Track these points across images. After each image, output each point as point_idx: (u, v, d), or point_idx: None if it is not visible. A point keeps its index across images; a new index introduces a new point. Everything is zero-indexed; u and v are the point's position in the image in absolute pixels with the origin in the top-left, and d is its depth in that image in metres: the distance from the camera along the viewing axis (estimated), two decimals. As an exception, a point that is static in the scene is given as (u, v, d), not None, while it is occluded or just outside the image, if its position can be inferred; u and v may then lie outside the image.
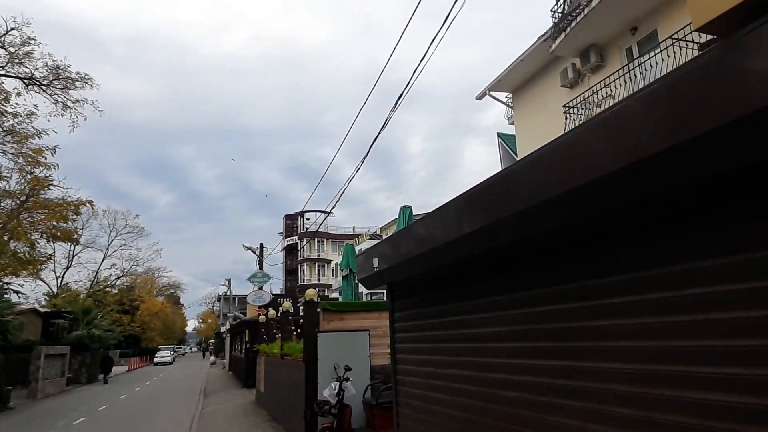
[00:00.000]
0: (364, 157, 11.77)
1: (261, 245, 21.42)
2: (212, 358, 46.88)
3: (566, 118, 13.64)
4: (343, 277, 12.47)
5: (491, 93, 17.37)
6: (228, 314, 41.25)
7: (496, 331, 2.99)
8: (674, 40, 10.65)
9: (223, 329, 42.87)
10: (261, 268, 21.13)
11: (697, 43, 10.52)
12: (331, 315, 7.18)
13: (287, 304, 9.35)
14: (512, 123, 18.48)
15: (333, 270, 51.14)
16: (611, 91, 12.72)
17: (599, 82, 13.02)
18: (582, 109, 13.36)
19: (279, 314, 10.98)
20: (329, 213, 43.66)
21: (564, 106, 13.69)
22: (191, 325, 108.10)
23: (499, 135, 35.69)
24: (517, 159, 30.93)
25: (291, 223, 60.34)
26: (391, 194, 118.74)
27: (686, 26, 10.65)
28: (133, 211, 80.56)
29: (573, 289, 2.58)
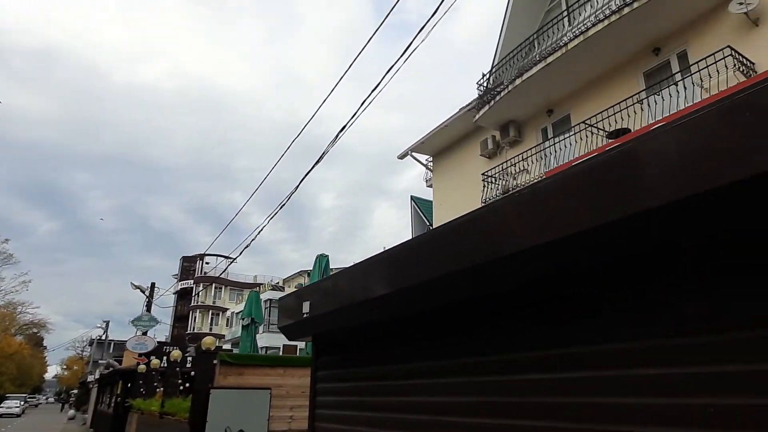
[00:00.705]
0: (275, 212, 11.12)
1: (153, 284, 19.32)
2: (71, 411, 40.89)
3: (484, 186, 14.03)
4: (243, 326, 11.39)
5: (413, 154, 17.65)
6: (100, 361, 36.67)
7: (412, 400, 2.54)
8: (586, 126, 11.44)
9: (91, 378, 37.89)
10: (149, 310, 18.96)
11: (605, 131, 11.36)
12: (229, 369, 6.26)
13: (176, 353, 8.14)
14: (430, 185, 18.80)
15: (228, 319, 47.99)
16: (527, 165, 13.34)
17: (516, 156, 13.63)
18: (500, 179, 13.84)
19: (164, 364, 9.63)
20: (233, 259, 41.39)
21: (483, 174, 14.11)
22: (52, 371, 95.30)
23: (412, 198, 36.43)
24: (430, 222, 31.25)
25: (188, 265, 56.51)
26: (297, 247, 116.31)
27: (596, 115, 11.51)
28: (2, 234, 71.26)
29: (487, 363, 2.28)
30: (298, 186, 10.43)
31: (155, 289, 19.58)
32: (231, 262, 38.33)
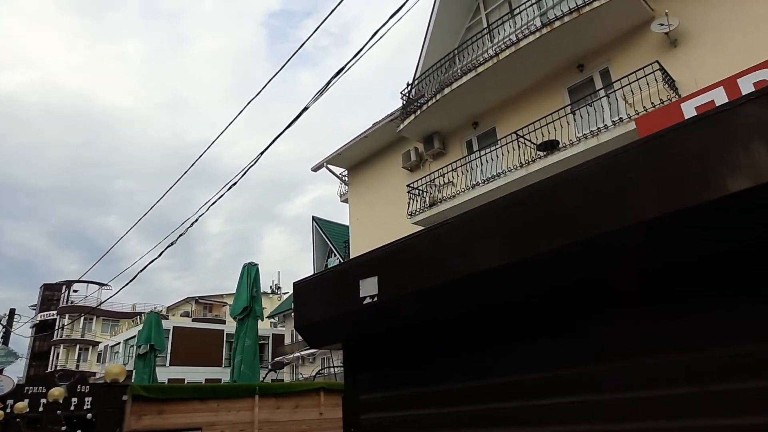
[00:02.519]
0: (169, 243, 9.62)
1: (12, 311, 15.75)
2: None
3: (410, 199, 13.51)
4: (138, 355, 9.52)
5: (328, 166, 16.74)
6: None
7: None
8: (516, 137, 11.41)
9: None
10: (5, 342, 15.51)
11: (533, 143, 11.41)
12: (145, 406, 4.77)
13: (58, 392, 6.25)
14: (345, 200, 17.95)
15: (100, 354, 42.31)
16: (452, 177, 13.06)
17: (440, 169, 13.32)
18: (426, 191, 13.40)
19: (40, 408, 7.51)
20: (105, 285, 36.91)
21: (408, 186, 13.59)
22: None
23: (314, 219, 35.28)
24: (332, 243, 30.05)
25: (50, 294, 49.41)
26: (179, 274, 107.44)
27: (523, 128, 11.53)
28: None
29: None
30: (195, 220, 9.07)
31: (15, 317, 16.16)
32: (115, 293, 33.96)
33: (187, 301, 49.02)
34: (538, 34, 10.91)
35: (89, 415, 4.98)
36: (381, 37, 7.11)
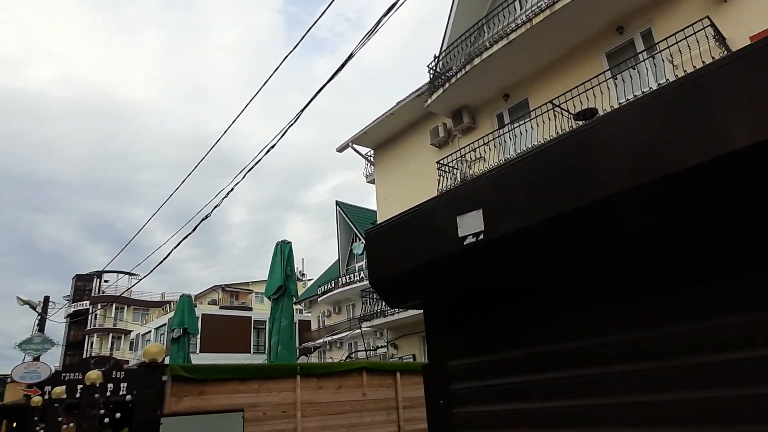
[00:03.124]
0: (189, 231, 9.41)
1: (46, 298, 15.93)
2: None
3: (440, 176, 13.08)
4: (173, 339, 9.40)
5: (354, 145, 16.37)
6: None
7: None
8: (552, 107, 10.86)
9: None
10: (42, 330, 15.72)
11: (569, 113, 10.85)
12: (184, 387, 4.55)
13: (95, 375, 6.10)
14: (371, 181, 17.60)
15: (132, 342, 43.18)
16: (483, 153, 12.58)
17: (469, 144, 12.85)
18: (456, 167, 12.97)
19: (77, 394, 7.42)
20: (143, 276, 37.39)
21: (438, 162, 13.16)
22: None
23: (338, 204, 35.13)
24: (357, 228, 30.06)
25: (82, 285, 50.47)
26: (205, 264, 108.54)
27: (557, 97, 10.97)
28: None
29: None
30: (212, 209, 8.82)
31: (50, 305, 16.36)
32: (139, 281, 34.46)
33: (213, 289, 49.63)
34: (575, -5, 10.28)
35: (128, 397, 4.79)
36: (397, 8, 6.66)
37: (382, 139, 16.27)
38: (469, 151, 12.60)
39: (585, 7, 10.49)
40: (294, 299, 7.22)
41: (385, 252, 1.79)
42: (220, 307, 43.13)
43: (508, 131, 12.53)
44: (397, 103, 15.00)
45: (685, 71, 8.94)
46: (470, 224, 1.43)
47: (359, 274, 29.15)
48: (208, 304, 44.80)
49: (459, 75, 12.54)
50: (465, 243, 1.44)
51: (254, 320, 37.48)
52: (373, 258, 1.84)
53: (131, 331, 44.88)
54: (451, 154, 13.22)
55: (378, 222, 15.64)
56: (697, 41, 8.91)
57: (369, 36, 7.13)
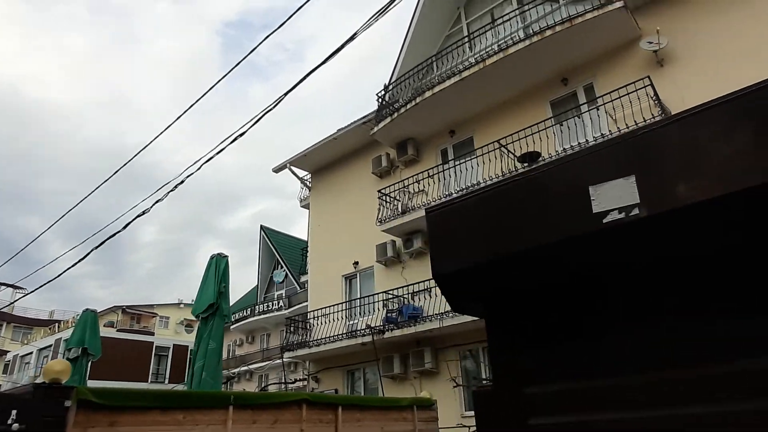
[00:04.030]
0: (92, 246, 8.52)
1: None
2: None
3: (380, 205, 12.79)
4: (68, 360, 8.11)
5: (291, 167, 15.77)
6: None
7: None
8: (498, 146, 11.03)
9: None
10: None
11: (514, 154, 11.08)
12: (92, 415, 3.67)
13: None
14: (305, 206, 16.98)
15: (7, 365, 38.05)
16: (424, 186, 12.51)
17: (414, 176, 12.75)
18: (398, 199, 12.76)
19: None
20: (18, 287, 33.37)
21: (379, 191, 12.89)
22: None
23: (262, 228, 33.87)
24: (280, 254, 29.06)
25: (-47, 295, 44.26)
26: (106, 283, 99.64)
27: (503, 138, 11.20)
28: None
29: None
30: (121, 228, 8.03)
31: None
32: (25, 295, 30.62)
33: (113, 310, 45.53)
34: (528, 42, 10.66)
35: (16, 426, 3.84)
36: (349, 40, 6.46)
37: (322, 164, 15.82)
38: (413, 183, 12.47)
39: (534, 55, 10.90)
40: (226, 319, 6.45)
41: (457, 237, 1.36)
42: (118, 330, 39.53)
43: (452, 167, 12.59)
44: (342, 128, 14.71)
45: (626, 125, 9.42)
46: (615, 196, 1.06)
47: (278, 303, 27.92)
48: (105, 325, 40.83)
49: (409, 106, 12.51)
50: (606, 220, 1.05)
51: (156, 346, 34.53)
52: (438, 245, 1.40)
53: (8, 351, 39.70)
54: (393, 185, 13.01)
55: (309, 247, 14.85)
56: (638, 98, 9.45)
57: (315, 69, 6.78)
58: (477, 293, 1.36)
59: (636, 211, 1.01)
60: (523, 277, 1.27)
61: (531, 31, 11.64)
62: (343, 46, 5.79)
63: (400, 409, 6.16)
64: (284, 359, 13.26)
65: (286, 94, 7.31)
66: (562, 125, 10.63)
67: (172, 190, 8.60)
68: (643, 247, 1.07)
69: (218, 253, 6.63)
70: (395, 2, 5.79)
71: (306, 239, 27.21)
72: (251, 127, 6.54)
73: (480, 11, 13.94)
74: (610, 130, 9.97)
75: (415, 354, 11.28)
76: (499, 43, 12.12)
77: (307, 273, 21.95)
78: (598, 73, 10.91)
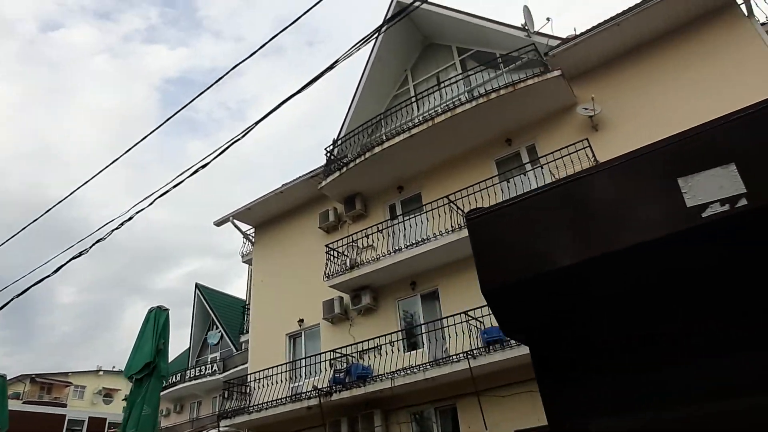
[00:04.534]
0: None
1: None
2: None
3: (328, 260, 12.49)
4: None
5: (234, 221, 15.24)
6: None
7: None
8: (448, 202, 11.20)
9: None
10: None
11: (462, 211, 11.27)
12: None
13: None
14: (247, 261, 16.35)
15: None
16: (372, 241, 12.41)
17: (361, 231, 12.64)
18: (345, 255, 12.52)
19: None
20: None
21: (327, 246, 12.63)
22: None
23: (197, 286, 32.28)
24: (215, 313, 27.81)
25: None
26: (11, 349, 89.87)
27: (450, 194, 11.39)
28: None
29: None
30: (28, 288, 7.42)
31: None
32: None
33: (20, 379, 40.90)
34: (474, 103, 11.14)
35: None
36: (331, 64, 6.49)
37: (266, 218, 15.41)
38: (362, 237, 12.32)
39: (480, 116, 11.38)
40: (164, 381, 5.82)
41: (509, 246, 1.20)
42: (24, 402, 35.45)
43: (401, 222, 12.60)
44: (289, 182, 14.52)
45: (568, 183, 9.83)
46: (713, 186, 0.94)
47: (212, 367, 26.16)
48: (10, 397, 36.51)
49: (357, 161, 12.57)
50: (703, 215, 0.93)
51: (69, 419, 31.13)
52: (485, 256, 1.23)
53: None
54: (340, 239, 12.81)
55: (251, 304, 14.14)
56: (579, 158, 9.97)
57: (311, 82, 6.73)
58: (532, 313, 1.19)
59: (743, 202, 0.89)
60: (590, 293, 1.12)
61: (476, 94, 12.24)
62: (324, 73, 5.74)
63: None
64: (220, 428, 12.19)
65: (257, 123, 7.07)
66: (509, 182, 10.98)
67: (100, 240, 7.94)
68: (745, 246, 0.95)
69: (158, 306, 6.09)
70: (382, 29, 5.86)
71: (245, 298, 26.12)
72: (215, 158, 6.24)
73: (426, 74, 14.56)
74: (552, 188, 10.39)
75: (365, 417, 10.70)
76: (446, 104, 12.61)
77: (247, 332, 20.85)
78: (540, 134, 11.51)
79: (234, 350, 26.66)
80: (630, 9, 10.38)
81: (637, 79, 10.68)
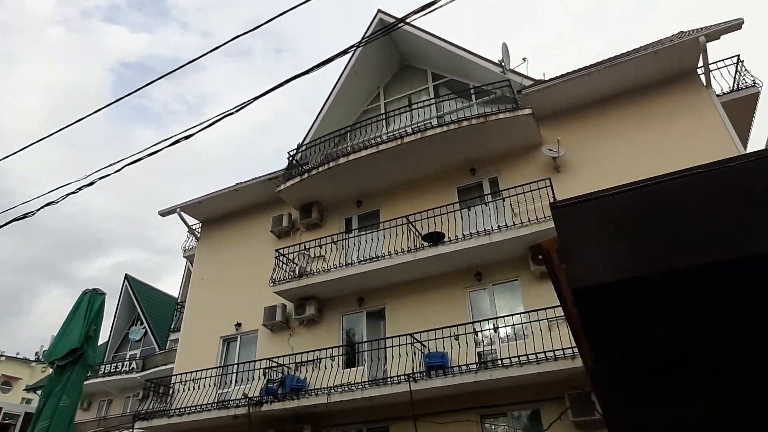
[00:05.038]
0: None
1: None
2: None
3: (276, 266, 12.09)
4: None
5: (181, 213, 14.54)
6: None
7: None
8: (407, 221, 11.15)
9: None
10: None
11: (419, 233, 11.25)
12: None
13: None
14: (188, 256, 15.60)
15: None
16: (324, 252, 12.14)
17: (314, 240, 12.36)
18: (295, 263, 12.17)
19: None
20: None
21: (277, 251, 12.23)
22: None
23: (127, 277, 30.61)
24: (141, 307, 26.51)
25: None
26: None
27: (410, 215, 11.34)
28: None
29: None
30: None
31: None
32: None
33: None
34: (445, 128, 11.24)
35: None
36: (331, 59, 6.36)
37: (216, 215, 14.81)
38: (315, 246, 12.02)
39: (448, 142, 11.49)
40: (89, 371, 5.30)
41: (605, 240, 1.06)
42: None
43: (356, 236, 12.43)
44: (245, 181, 14.05)
45: (528, 219, 10.03)
46: None
47: (130, 364, 24.61)
48: None
49: (321, 169, 12.35)
50: None
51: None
52: (580, 250, 1.08)
53: None
54: (292, 246, 12.45)
55: (187, 301, 13.42)
56: (540, 196, 10.20)
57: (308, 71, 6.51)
58: (618, 320, 1.06)
59: None
60: (702, 305, 1.00)
61: (446, 120, 12.38)
62: (306, 72, 5.54)
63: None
64: (135, 429, 11.34)
65: (248, 103, 6.73)
66: (470, 210, 11.06)
67: (21, 218, 7.26)
68: None
69: (93, 289, 5.58)
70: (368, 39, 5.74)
71: (177, 296, 24.91)
72: (190, 135, 5.84)
73: (398, 94, 14.61)
74: (507, 223, 10.56)
75: (293, 432, 10.27)
76: (415, 125, 12.66)
77: (177, 331, 19.81)
78: (503, 168, 11.73)
79: (157, 349, 25.26)
80: (602, 62, 10.88)
81: (600, 129, 11.13)
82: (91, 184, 7.44)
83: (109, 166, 6.86)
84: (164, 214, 14.72)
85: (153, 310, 27.38)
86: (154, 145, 6.71)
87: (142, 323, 26.45)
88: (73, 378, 5.07)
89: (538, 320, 9.12)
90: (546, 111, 11.52)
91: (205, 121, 6.17)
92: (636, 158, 10.42)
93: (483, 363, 9.52)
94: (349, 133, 14.00)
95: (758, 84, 10.71)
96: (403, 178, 12.49)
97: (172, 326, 19.06)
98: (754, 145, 17.67)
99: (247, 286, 13.11)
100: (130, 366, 24.26)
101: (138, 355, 25.34)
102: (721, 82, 10.98)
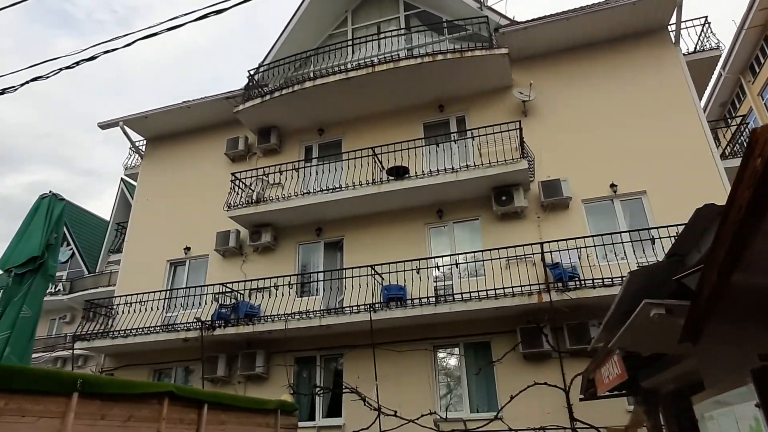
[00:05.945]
0: None
1: None
2: None
3: (232, 190, 11.56)
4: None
5: (124, 126, 13.42)
6: None
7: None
8: (372, 153, 10.91)
9: None
10: None
11: (382, 166, 11.08)
12: None
13: None
14: (130, 174, 14.61)
15: None
16: (282, 179, 11.76)
17: (273, 166, 11.89)
18: (252, 188, 11.69)
19: None
20: None
21: (233, 175, 11.66)
22: None
23: (52, 194, 28.42)
24: (68, 225, 25.02)
25: None
26: None
27: (373, 147, 11.10)
28: None
29: None
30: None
31: None
32: None
33: None
34: (420, 60, 10.88)
35: None
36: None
37: (164, 132, 13.82)
38: (274, 173, 11.57)
39: (420, 75, 11.18)
40: (50, 281, 4.86)
41: None
42: None
43: (316, 165, 12.07)
44: (199, 98, 13.10)
45: (490, 161, 10.10)
46: None
47: (56, 286, 23.33)
48: None
49: (284, 91, 11.68)
50: None
51: None
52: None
53: None
54: (248, 170, 11.91)
55: (130, 222, 12.68)
56: (509, 138, 10.25)
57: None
58: None
59: None
60: None
61: (416, 53, 11.98)
62: None
63: (265, 413, 5.30)
64: (75, 350, 10.84)
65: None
66: (438, 146, 10.97)
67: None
68: None
69: (52, 193, 5.05)
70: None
71: (110, 218, 23.54)
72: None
73: (367, 21, 13.90)
74: (474, 162, 10.61)
75: (246, 356, 10.21)
76: (383, 55, 12.18)
77: (111, 254, 18.91)
78: (471, 107, 11.63)
79: (86, 272, 24.07)
80: (582, 8, 10.79)
81: (569, 76, 11.19)
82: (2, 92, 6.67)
83: (25, 69, 6.09)
84: (104, 126, 13.53)
85: (81, 232, 25.86)
86: (84, 50, 6.01)
87: (69, 245, 24.95)
88: (34, 288, 4.62)
89: (499, 258, 9.40)
90: (519, 53, 11.40)
91: (140, 29, 5.53)
92: (600, 108, 10.64)
93: (439, 297, 9.76)
94: (313, 57, 13.28)
95: (721, 47, 11.09)
96: (368, 108, 12.12)
97: (113, 248, 18.07)
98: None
99: (197, 209, 12.53)
100: (56, 288, 23.01)
101: (65, 277, 24.03)
102: (688, 41, 11.29)
